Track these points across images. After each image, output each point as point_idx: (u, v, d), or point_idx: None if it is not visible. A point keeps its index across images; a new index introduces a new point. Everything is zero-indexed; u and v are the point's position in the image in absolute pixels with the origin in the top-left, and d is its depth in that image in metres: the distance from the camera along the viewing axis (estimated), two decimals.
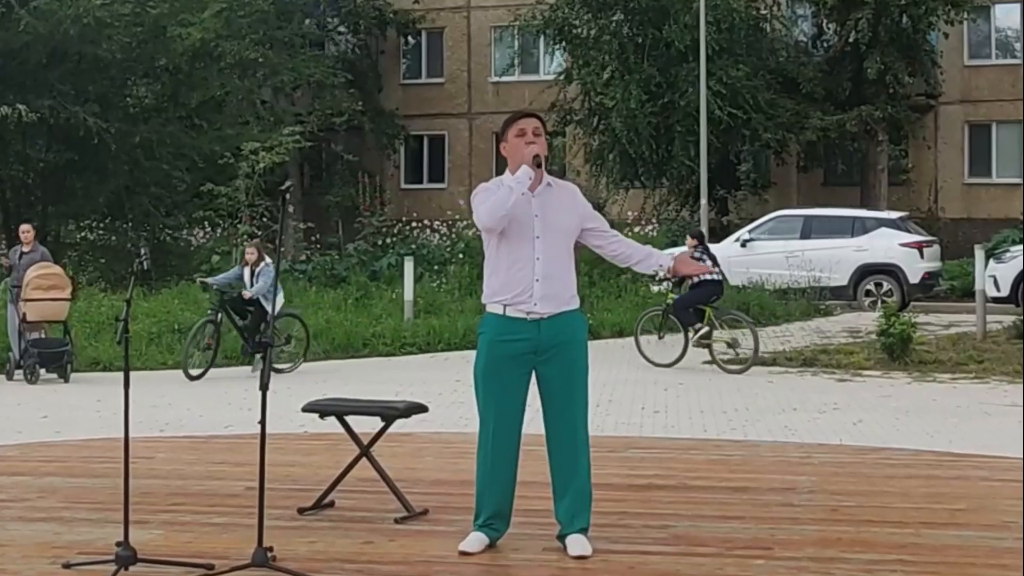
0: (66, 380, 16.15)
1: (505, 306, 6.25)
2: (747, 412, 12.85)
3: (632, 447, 10.00)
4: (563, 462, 6.27)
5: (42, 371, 16.25)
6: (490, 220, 6.16)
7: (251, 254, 16.97)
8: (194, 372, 16.25)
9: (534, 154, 6.17)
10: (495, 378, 6.26)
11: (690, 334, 16.87)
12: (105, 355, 17.57)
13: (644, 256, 6.47)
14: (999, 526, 6.81)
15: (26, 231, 17.46)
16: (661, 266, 6.43)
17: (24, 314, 16.41)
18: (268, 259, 16.94)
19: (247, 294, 16.71)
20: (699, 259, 16.57)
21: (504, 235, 6.23)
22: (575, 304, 6.32)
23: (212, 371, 16.96)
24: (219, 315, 16.85)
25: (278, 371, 16.25)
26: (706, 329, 16.63)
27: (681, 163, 31.66)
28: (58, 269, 17.26)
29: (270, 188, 26.06)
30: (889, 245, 24.99)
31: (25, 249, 17.19)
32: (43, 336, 16.65)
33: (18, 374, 16.43)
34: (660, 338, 17.72)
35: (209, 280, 17.84)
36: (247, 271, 16.92)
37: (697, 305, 16.84)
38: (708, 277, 16.47)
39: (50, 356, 16.30)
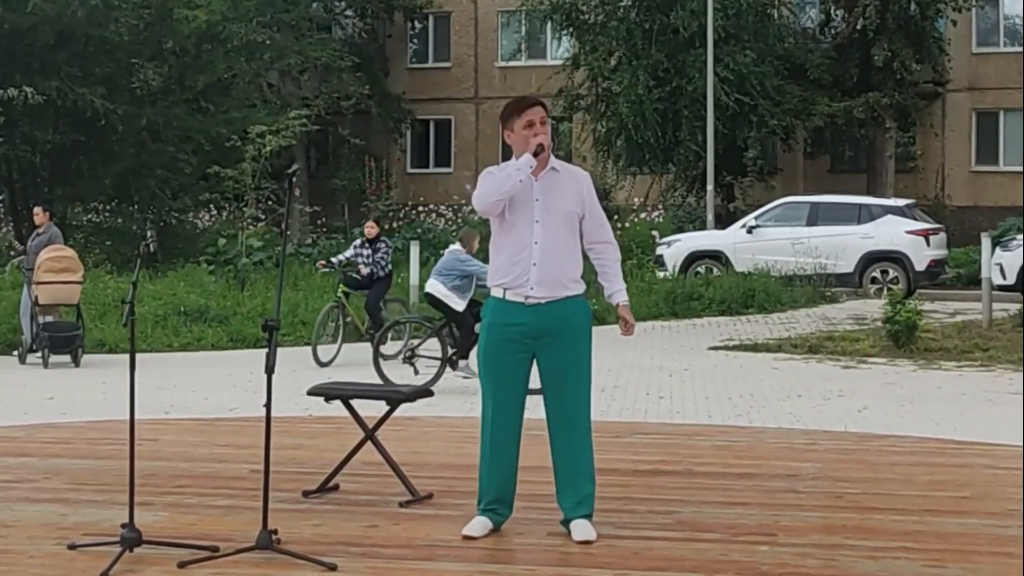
0: (77, 364, 16.03)
1: (505, 289, 6.28)
2: (752, 398, 12.85)
3: (637, 432, 10.02)
4: (562, 449, 6.29)
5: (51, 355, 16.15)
6: (483, 203, 6.23)
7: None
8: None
9: (538, 143, 6.19)
10: (494, 361, 6.29)
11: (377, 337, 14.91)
12: (111, 337, 17.56)
13: (607, 282, 6.48)
14: (1003, 514, 6.81)
15: (36, 213, 17.31)
16: (611, 297, 6.48)
17: (36, 297, 16.22)
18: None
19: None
20: (383, 251, 16.14)
21: (504, 218, 6.26)
22: (576, 290, 6.31)
23: (219, 353, 17.05)
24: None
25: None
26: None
27: (688, 149, 31.61)
28: (70, 251, 16.87)
29: (276, 171, 26.07)
30: (895, 232, 24.96)
31: (39, 231, 17.04)
32: (56, 319, 16.45)
33: (31, 358, 16.26)
34: (334, 340, 16.05)
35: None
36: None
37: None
38: (384, 273, 16.27)
39: (62, 340, 16.12)
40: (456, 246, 13.93)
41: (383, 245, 16.37)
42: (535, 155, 6.19)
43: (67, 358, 16.12)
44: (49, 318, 16.30)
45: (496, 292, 6.32)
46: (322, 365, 15.33)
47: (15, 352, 16.69)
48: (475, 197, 6.28)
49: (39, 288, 16.15)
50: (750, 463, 8.42)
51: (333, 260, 16.74)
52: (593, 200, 6.39)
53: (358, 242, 16.55)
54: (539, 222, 6.22)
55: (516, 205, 6.23)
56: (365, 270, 16.17)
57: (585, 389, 6.31)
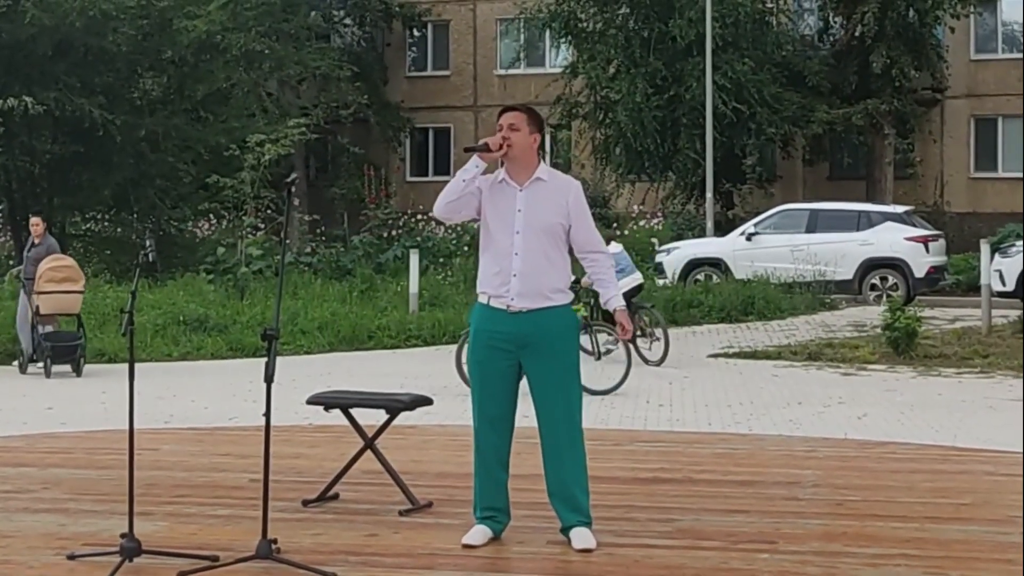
0: (79, 374, 15.95)
1: (489, 297, 6.29)
2: (752, 406, 12.85)
3: (637, 440, 10.01)
4: (548, 457, 6.30)
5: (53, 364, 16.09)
6: (437, 209, 6.34)
7: None
8: None
9: (484, 141, 6.28)
10: (478, 368, 6.32)
11: None
12: (110, 347, 17.53)
13: (603, 289, 6.45)
14: (1004, 521, 6.80)
15: (35, 224, 17.26)
16: (607, 303, 6.43)
17: (37, 307, 16.13)
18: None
19: None
20: None
21: (488, 227, 6.29)
22: (561, 300, 6.27)
23: (219, 362, 17.02)
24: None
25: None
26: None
27: (687, 157, 31.64)
28: (71, 261, 16.82)
29: (275, 180, 26.03)
30: (895, 239, 24.96)
31: (36, 241, 17.03)
32: (56, 329, 16.40)
33: (32, 368, 16.19)
34: None
35: None
36: None
37: None
38: None
39: (63, 350, 16.03)
40: None
41: None
42: (478, 150, 6.23)
43: (67, 367, 16.05)
44: (49, 328, 16.25)
45: (481, 299, 6.33)
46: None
47: (15, 362, 16.67)
48: (435, 203, 6.36)
49: (40, 298, 16.07)
50: (750, 470, 8.41)
51: None
52: (581, 210, 6.30)
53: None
54: (519, 233, 6.21)
55: (499, 215, 6.24)
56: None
57: (573, 399, 6.27)
